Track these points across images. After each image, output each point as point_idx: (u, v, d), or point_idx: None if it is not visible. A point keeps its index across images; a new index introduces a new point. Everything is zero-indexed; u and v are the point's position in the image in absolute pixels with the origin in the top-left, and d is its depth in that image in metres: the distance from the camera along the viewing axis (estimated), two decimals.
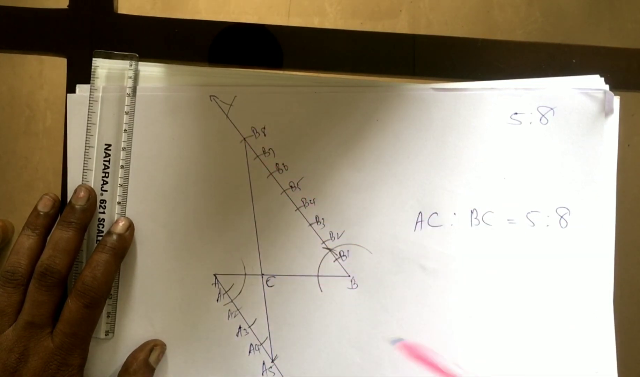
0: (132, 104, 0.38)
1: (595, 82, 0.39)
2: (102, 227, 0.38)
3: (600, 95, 0.38)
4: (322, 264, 0.39)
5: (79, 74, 0.39)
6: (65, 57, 0.39)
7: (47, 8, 0.40)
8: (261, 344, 0.38)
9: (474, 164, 0.39)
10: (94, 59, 0.38)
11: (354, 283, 0.39)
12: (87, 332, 0.35)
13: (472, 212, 0.39)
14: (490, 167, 0.39)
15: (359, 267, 0.39)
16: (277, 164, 0.39)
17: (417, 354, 0.38)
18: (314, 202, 0.39)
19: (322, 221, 0.39)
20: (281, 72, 0.40)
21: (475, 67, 0.40)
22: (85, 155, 0.38)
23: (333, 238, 0.39)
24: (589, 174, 0.38)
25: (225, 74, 0.39)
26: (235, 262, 0.39)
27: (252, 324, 0.38)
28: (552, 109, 0.39)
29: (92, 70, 0.38)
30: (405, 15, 0.41)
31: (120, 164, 0.38)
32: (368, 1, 0.41)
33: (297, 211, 0.39)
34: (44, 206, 0.37)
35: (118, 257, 0.37)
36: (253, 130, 0.39)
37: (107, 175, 0.38)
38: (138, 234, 0.38)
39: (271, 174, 0.39)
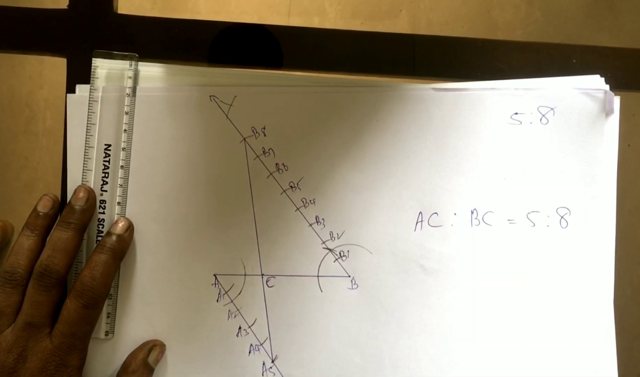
0: (132, 104, 0.38)
1: (596, 82, 0.39)
2: (102, 228, 0.38)
3: (600, 95, 0.38)
4: (322, 264, 0.39)
5: (79, 74, 0.39)
6: (65, 57, 0.39)
7: (47, 8, 0.40)
8: (261, 344, 0.38)
9: (474, 164, 0.39)
10: (93, 59, 0.38)
11: (354, 283, 0.39)
12: (86, 333, 0.35)
13: (472, 212, 0.39)
14: (491, 167, 0.39)
15: (359, 267, 0.39)
16: (277, 164, 0.39)
17: None
18: (314, 202, 0.39)
19: (322, 221, 0.39)
20: (281, 72, 0.40)
21: (475, 67, 0.40)
22: (85, 155, 0.38)
23: (333, 238, 0.39)
24: (589, 174, 0.38)
25: (225, 74, 0.39)
26: (235, 262, 0.38)
27: (252, 325, 0.38)
28: (552, 109, 0.39)
29: (92, 70, 0.38)
30: (405, 15, 0.41)
31: (120, 164, 0.38)
32: (368, 1, 0.41)
33: (297, 211, 0.39)
34: (44, 207, 0.37)
35: (117, 257, 0.37)
36: (253, 130, 0.39)
37: (107, 175, 0.38)
38: (138, 234, 0.38)
39: (271, 174, 0.39)
